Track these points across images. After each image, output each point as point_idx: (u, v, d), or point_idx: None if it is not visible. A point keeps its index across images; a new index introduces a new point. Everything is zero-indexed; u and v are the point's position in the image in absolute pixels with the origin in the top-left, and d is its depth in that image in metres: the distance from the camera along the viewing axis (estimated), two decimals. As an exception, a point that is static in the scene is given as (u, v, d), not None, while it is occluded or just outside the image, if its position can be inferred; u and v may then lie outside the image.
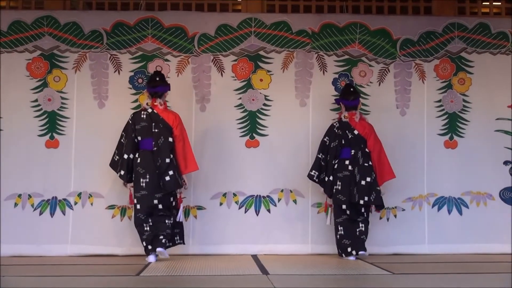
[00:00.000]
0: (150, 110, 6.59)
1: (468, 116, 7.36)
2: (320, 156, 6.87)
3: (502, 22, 7.45)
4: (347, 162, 6.79)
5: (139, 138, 6.56)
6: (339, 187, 6.76)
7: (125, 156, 6.55)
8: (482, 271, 6.03)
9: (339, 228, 6.77)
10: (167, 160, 6.45)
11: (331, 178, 6.82)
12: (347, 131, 6.83)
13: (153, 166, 6.46)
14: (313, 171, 6.88)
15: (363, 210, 6.77)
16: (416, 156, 7.30)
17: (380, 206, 6.85)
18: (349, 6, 7.59)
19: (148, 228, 6.44)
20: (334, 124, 6.91)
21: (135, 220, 6.51)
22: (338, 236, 6.79)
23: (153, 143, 6.51)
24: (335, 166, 6.81)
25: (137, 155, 6.54)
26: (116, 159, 6.65)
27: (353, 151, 6.79)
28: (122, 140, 6.65)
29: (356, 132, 6.82)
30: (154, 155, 6.49)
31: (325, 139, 6.90)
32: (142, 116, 6.59)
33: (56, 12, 7.22)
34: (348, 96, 6.90)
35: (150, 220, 6.45)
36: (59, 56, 7.16)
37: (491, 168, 7.31)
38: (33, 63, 7.14)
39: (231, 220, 7.13)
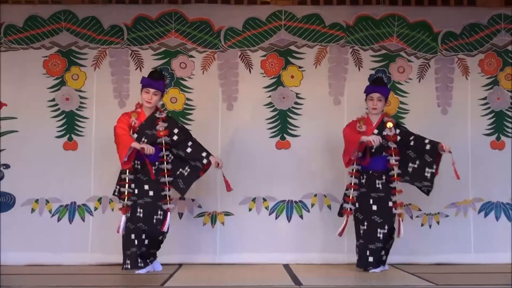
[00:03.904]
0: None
1: (516, 115, 7.22)
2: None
3: (552, 12, 7.26)
4: None
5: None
6: None
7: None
8: (535, 283, 5.84)
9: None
10: None
11: None
12: None
13: None
14: None
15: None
16: (460, 158, 6.85)
17: None
18: (386, -3, 7.47)
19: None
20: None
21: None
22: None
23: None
24: None
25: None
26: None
27: None
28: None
29: None
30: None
31: None
32: None
33: (74, 6, 7.15)
34: None
35: None
36: (78, 52, 7.09)
37: (542, 171, 7.12)
38: (50, 60, 7.08)
39: (261, 227, 7.02)
